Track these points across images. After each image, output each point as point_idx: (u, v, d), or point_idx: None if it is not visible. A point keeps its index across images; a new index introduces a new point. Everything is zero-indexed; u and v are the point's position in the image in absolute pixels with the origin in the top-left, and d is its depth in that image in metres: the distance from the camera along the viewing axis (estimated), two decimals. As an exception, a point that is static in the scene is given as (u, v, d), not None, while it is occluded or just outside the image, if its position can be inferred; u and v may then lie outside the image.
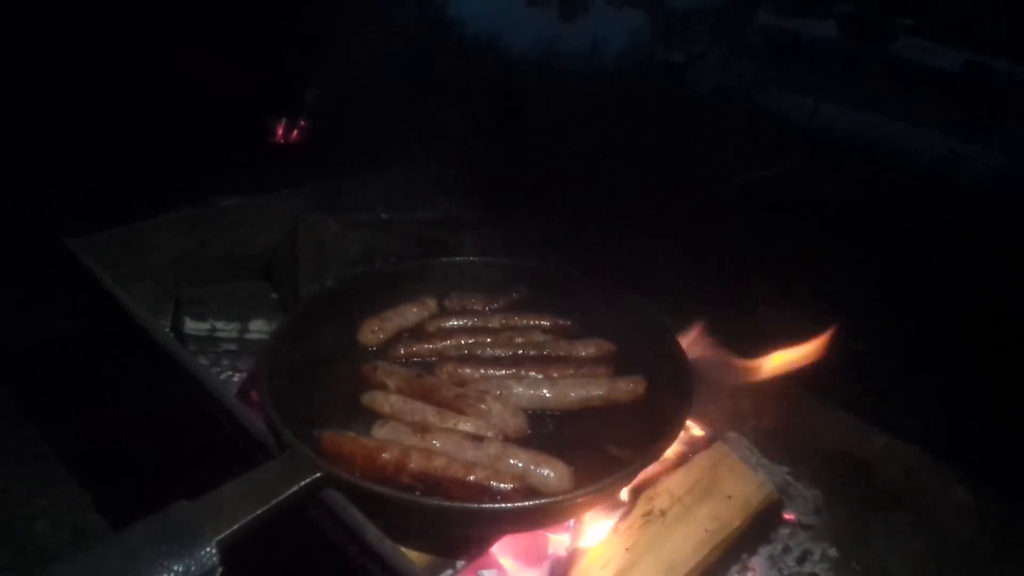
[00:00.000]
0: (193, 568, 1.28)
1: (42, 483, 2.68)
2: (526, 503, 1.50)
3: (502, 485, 1.60)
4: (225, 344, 2.45)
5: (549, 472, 1.65)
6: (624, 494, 1.95)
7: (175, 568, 1.26)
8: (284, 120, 5.29)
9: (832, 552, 2.17)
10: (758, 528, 2.05)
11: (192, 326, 2.40)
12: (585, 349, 2.15)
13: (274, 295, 2.56)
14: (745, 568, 2.06)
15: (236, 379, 2.43)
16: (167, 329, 2.50)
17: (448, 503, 1.50)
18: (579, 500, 1.56)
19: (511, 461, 1.68)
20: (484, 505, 1.50)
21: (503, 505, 1.50)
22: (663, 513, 1.95)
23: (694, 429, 2.30)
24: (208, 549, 1.30)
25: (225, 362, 2.48)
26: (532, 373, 2.02)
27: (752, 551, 2.05)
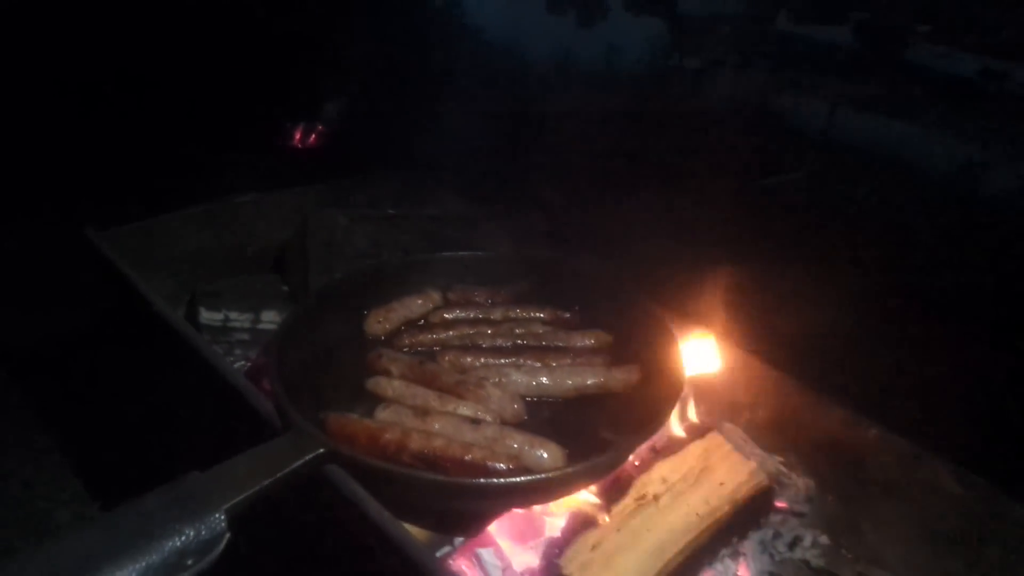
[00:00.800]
0: (203, 532, 1.36)
1: (63, 476, 2.78)
2: (519, 479, 1.58)
3: (498, 465, 1.67)
4: (238, 334, 2.55)
5: (543, 452, 1.72)
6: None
7: (186, 532, 1.34)
8: (302, 125, 5.41)
9: (823, 539, 2.22)
10: (750, 514, 2.11)
11: (207, 316, 2.50)
12: (583, 340, 2.22)
13: (285, 287, 2.65)
14: (737, 553, 2.11)
15: (248, 367, 2.52)
16: (182, 319, 2.59)
17: (444, 478, 1.57)
18: (570, 477, 1.63)
19: (507, 442, 1.75)
20: (479, 480, 1.57)
21: (497, 480, 1.57)
22: (656, 498, 2.01)
23: (691, 419, 2.37)
24: (217, 515, 1.39)
25: (238, 351, 2.57)
26: (531, 361, 2.09)
27: (743, 536, 2.11)
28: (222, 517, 1.39)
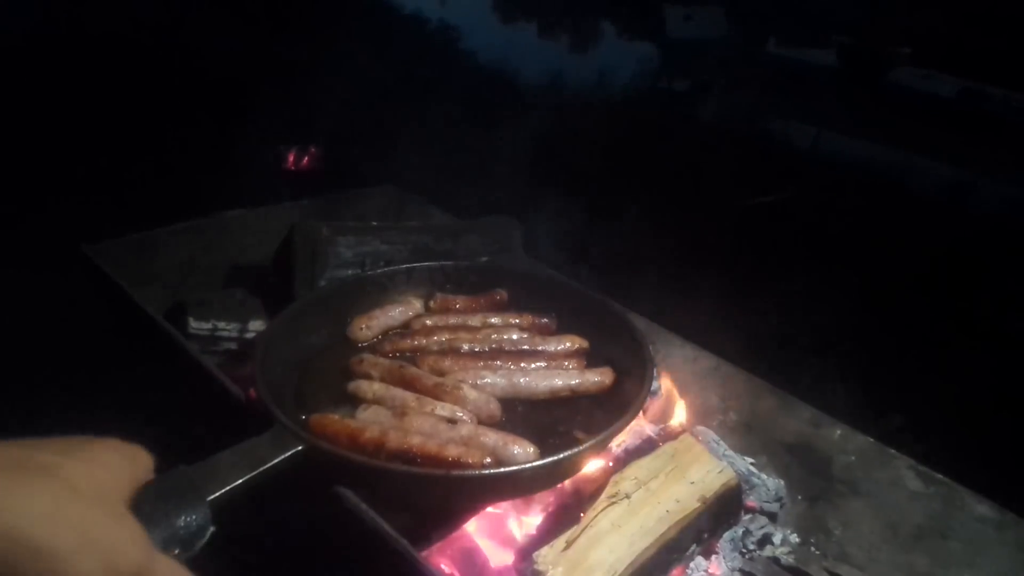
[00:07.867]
0: (190, 521, 1.42)
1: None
2: (489, 471, 1.65)
3: (472, 460, 1.74)
4: (226, 343, 2.61)
5: (517, 449, 1.79)
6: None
7: (172, 521, 1.41)
8: (295, 148, 5.52)
9: (793, 537, 2.29)
10: (720, 512, 2.18)
11: (195, 325, 2.57)
12: (559, 344, 2.29)
13: (272, 298, 2.72)
14: (708, 551, 2.18)
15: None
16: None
17: (417, 470, 1.64)
18: (540, 471, 1.70)
19: (482, 440, 1.82)
20: (450, 472, 1.64)
21: (469, 473, 1.64)
22: (628, 496, 2.08)
23: (665, 422, 2.45)
24: (201, 507, 1.45)
25: (227, 361, 2.64)
26: (508, 364, 2.17)
27: (713, 534, 2.17)
28: (207, 508, 1.45)
